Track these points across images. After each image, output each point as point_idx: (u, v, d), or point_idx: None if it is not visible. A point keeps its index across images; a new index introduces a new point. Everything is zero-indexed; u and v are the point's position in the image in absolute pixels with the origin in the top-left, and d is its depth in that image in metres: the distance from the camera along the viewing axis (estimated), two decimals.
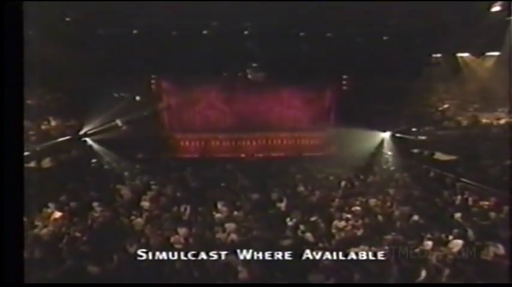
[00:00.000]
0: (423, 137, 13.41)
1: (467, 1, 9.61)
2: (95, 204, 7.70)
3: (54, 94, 11.79)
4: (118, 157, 11.04)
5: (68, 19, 9.90)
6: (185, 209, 7.60)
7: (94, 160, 11.20)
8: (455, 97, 14.27)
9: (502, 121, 12.79)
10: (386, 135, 13.96)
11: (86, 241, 6.25)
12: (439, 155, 12.52)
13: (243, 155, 12.93)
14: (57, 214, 7.09)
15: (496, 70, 12.45)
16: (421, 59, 13.16)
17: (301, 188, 9.34)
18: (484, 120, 13.49)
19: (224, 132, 13.00)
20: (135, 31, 10.50)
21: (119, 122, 12.59)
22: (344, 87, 13.95)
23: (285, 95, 12.94)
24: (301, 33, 11.35)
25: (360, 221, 7.35)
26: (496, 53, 12.50)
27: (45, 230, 6.46)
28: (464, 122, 13.74)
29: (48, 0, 7.74)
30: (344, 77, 13.90)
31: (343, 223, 7.28)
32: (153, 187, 9.05)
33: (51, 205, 7.50)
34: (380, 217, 7.58)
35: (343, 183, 9.98)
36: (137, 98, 13.23)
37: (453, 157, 12.19)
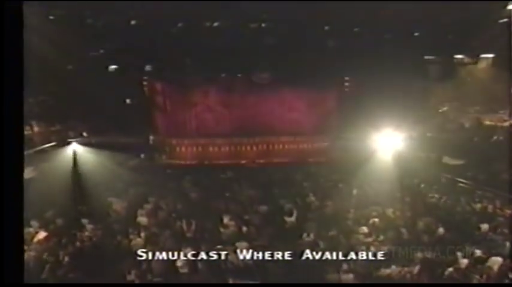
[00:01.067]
0: (427, 140, 12.99)
1: (466, 1, 9.47)
2: (85, 221, 6.80)
3: (37, 97, 10.75)
4: (109, 166, 10.07)
5: (51, 17, 9.06)
6: (189, 225, 6.78)
7: (82, 169, 10.18)
8: (454, 99, 13.98)
9: (506, 124, 12.56)
10: (390, 138, 13.47)
11: (75, 267, 5.34)
12: (447, 160, 12.13)
13: (243, 162, 12.12)
14: (42, 235, 6.14)
15: (494, 72, 12.21)
16: (418, 60, 12.80)
17: (311, 198, 8.64)
18: (487, 123, 13.28)
19: (223, 137, 12.15)
20: (128, 23, 9.62)
21: (109, 126, 11.67)
22: (346, 89, 13.45)
23: (286, 96, 12.20)
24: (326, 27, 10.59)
25: (383, 236, 6.71)
26: (494, 55, 12.21)
27: (25, 256, 5.49)
28: (467, 124, 13.52)
29: (48, 0, 7.10)
30: (346, 78, 13.39)
31: (365, 238, 6.64)
32: (149, 198, 8.18)
33: (34, 222, 6.55)
34: (404, 230, 6.94)
35: (354, 191, 9.35)
36: (127, 101, 12.31)
37: (462, 161, 11.82)
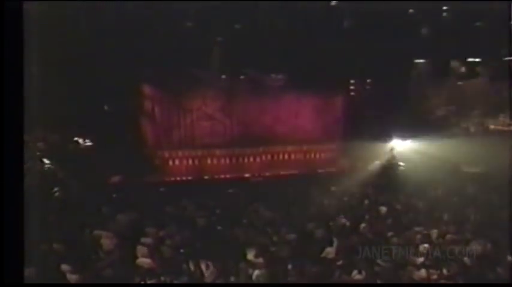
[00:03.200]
0: (437, 146, 12.26)
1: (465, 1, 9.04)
2: (66, 268, 5.04)
3: None
4: (90, 186, 8.30)
5: None
6: (207, 264, 5.24)
7: (55, 190, 8.30)
8: (451, 102, 13.49)
9: None
10: (397, 144, 12.66)
11: None
12: (465, 167, 11.42)
13: (246, 175, 10.69)
14: None
15: (492, 74, 11.92)
16: (413, 63, 12.12)
17: (342, 220, 7.34)
18: (492, 127, 12.91)
19: (222, 148, 10.68)
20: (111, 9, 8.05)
21: (86, 137, 9.91)
22: (352, 93, 12.58)
23: (293, 101, 10.97)
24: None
25: (446, 270, 5.51)
26: (492, 56, 11.80)
27: None
28: (472, 129, 13.10)
29: (48, 0, 6.79)
30: (351, 81, 12.52)
31: (426, 273, 5.42)
32: (147, 229, 6.50)
33: None
34: (467, 260, 5.78)
35: (383, 209, 8.19)
36: (105, 107, 10.59)
37: (481, 169, 11.20)
